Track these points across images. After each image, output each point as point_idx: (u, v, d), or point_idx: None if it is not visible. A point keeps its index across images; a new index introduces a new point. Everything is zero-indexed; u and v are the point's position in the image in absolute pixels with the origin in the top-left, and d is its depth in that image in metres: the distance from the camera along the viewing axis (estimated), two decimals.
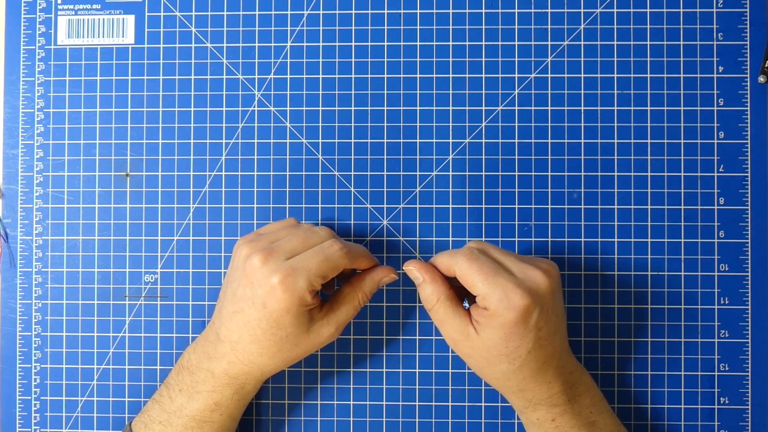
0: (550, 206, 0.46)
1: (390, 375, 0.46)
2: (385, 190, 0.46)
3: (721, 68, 0.46)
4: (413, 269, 0.41)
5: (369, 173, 0.47)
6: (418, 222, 0.46)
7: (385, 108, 0.47)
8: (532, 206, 0.46)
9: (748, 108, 0.46)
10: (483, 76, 0.46)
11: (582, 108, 0.46)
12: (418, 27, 0.47)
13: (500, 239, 0.46)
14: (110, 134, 0.47)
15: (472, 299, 0.40)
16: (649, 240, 0.46)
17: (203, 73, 0.47)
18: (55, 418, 0.47)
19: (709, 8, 0.46)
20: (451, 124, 0.46)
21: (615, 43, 0.46)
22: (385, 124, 0.46)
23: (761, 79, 0.46)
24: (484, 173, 0.46)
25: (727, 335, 0.46)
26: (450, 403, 0.46)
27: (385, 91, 0.47)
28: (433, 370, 0.46)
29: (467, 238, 0.46)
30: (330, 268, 0.39)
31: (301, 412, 0.47)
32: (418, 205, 0.46)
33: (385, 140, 0.46)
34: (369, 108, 0.47)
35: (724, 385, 0.46)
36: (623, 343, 0.46)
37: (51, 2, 0.47)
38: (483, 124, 0.46)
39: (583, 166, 0.46)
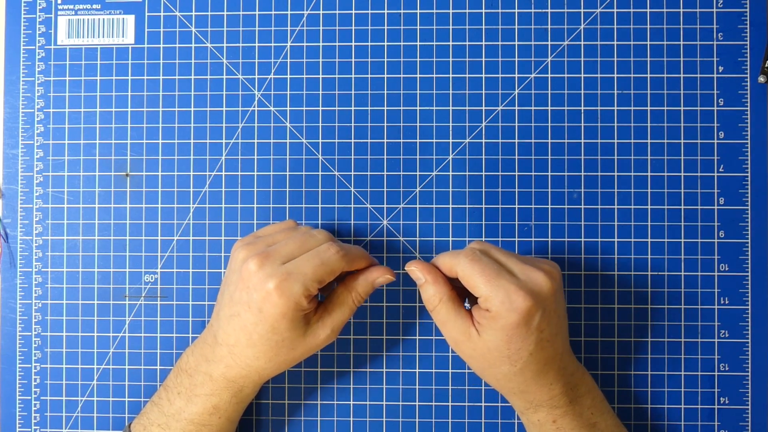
0: (550, 206, 0.46)
1: (390, 375, 0.46)
2: (385, 190, 0.46)
3: (721, 68, 0.46)
4: (415, 270, 0.41)
5: (369, 173, 0.47)
6: (418, 222, 0.46)
7: (385, 108, 0.47)
8: (532, 206, 0.46)
9: (748, 108, 0.46)
10: (483, 76, 0.46)
11: (582, 108, 0.46)
12: (418, 27, 0.47)
13: (500, 239, 0.46)
14: (110, 134, 0.47)
15: (473, 300, 0.40)
16: (649, 240, 0.46)
17: (203, 73, 0.47)
18: (55, 418, 0.47)
19: (709, 8, 0.46)
20: (451, 124, 0.46)
21: (615, 43, 0.46)
22: (385, 124, 0.46)
23: (761, 79, 0.46)
24: (484, 173, 0.46)
25: (727, 335, 0.46)
26: (450, 403, 0.46)
27: (385, 91, 0.47)
28: (433, 370, 0.46)
29: (467, 238, 0.46)
30: (326, 272, 0.39)
31: (301, 412, 0.47)
32: (418, 205, 0.46)
33: (385, 140, 0.46)
34: (369, 108, 0.47)
35: (724, 385, 0.46)
36: (623, 343, 0.46)
37: (51, 2, 0.47)
38: (483, 124, 0.46)
39: (583, 166, 0.46)
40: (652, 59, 0.46)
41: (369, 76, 0.47)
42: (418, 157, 0.46)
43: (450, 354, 0.46)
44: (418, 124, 0.46)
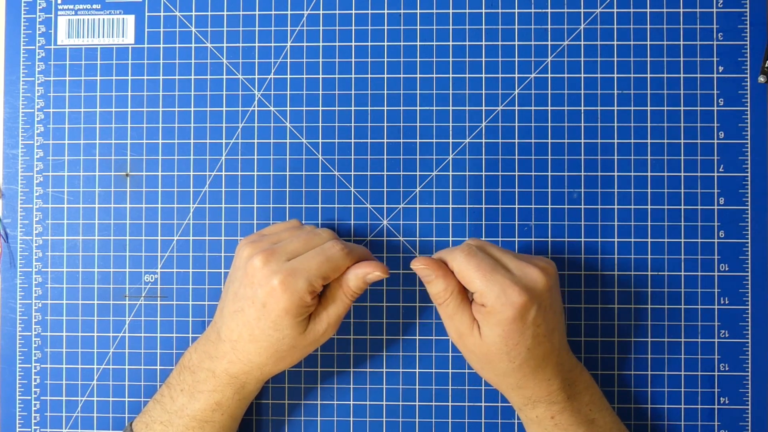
0: (550, 206, 0.46)
1: (390, 375, 0.46)
2: (385, 190, 0.46)
3: (721, 68, 0.46)
4: (423, 267, 0.40)
5: (369, 173, 0.47)
6: (418, 222, 0.46)
7: (385, 108, 0.47)
8: (532, 206, 0.46)
9: (748, 108, 0.46)
10: (483, 76, 0.46)
11: (582, 108, 0.46)
12: (418, 27, 0.47)
13: (500, 239, 0.46)
14: (110, 134, 0.47)
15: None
16: (649, 240, 0.46)
17: (203, 73, 0.47)
18: (55, 418, 0.47)
19: (709, 8, 0.46)
20: (451, 124, 0.46)
21: (615, 43, 0.46)
22: (385, 124, 0.46)
23: (761, 79, 0.46)
24: (484, 173, 0.46)
25: (727, 335, 0.46)
26: (450, 403, 0.46)
27: (385, 91, 0.47)
28: (433, 370, 0.46)
29: (467, 238, 0.46)
30: (331, 268, 0.39)
31: (301, 412, 0.47)
32: (418, 205, 0.46)
33: (385, 140, 0.46)
34: (369, 108, 0.47)
35: (724, 385, 0.46)
36: (623, 343, 0.46)
37: (51, 2, 0.47)
38: (483, 124, 0.46)
39: (583, 166, 0.46)
40: (652, 59, 0.46)
41: (369, 76, 0.47)
42: (418, 157, 0.46)
43: (450, 354, 0.46)
44: (418, 124, 0.46)
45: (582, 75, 0.46)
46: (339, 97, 0.47)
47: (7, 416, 0.47)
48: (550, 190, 0.46)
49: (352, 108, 0.47)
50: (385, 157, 0.46)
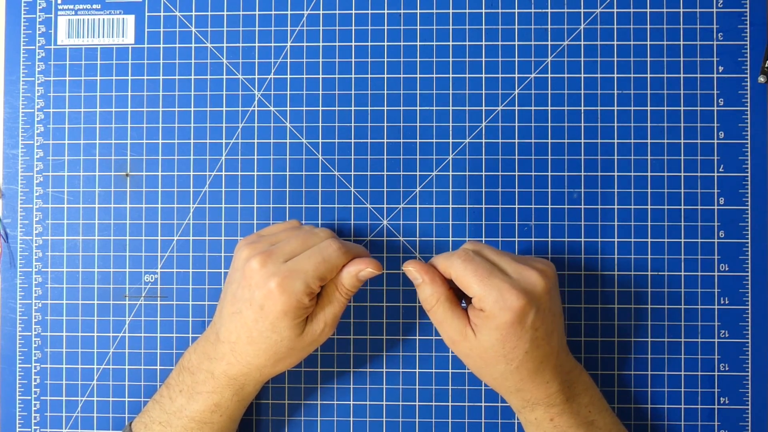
0: (550, 206, 0.46)
1: (390, 375, 0.46)
2: (385, 190, 0.46)
3: (721, 68, 0.46)
4: (412, 270, 0.41)
5: (369, 173, 0.47)
6: (418, 222, 0.46)
7: (385, 108, 0.47)
8: (532, 206, 0.46)
9: (748, 108, 0.46)
10: (483, 76, 0.46)
11: (582, 108, 0.46)
12: (418, 27, 0.47)
13: (500, 239, 0.46)
14: (110, 134, 0.47)
15: (469, 300, 0.40)
16: (649, 240, 0.46)
17: (203, 73, 0.47)
18: (55, 418, 0.47)
19: (709, 8, 0.46)
20: (451, 124, 0.46)
21: (615, 43, 0.46)
22: (385, 124, 0.46)
23: (761, 79, 0.46)
24: (484, 173, 0.46)
25: (727, 335, 0.46)
26: (450, 403, 0.46)
27: (385, 91, 0.47)
28: (433, 370, 0.46)
29: (467, 238, 0.46)
30: (328, 269, 0.39)
31: (301, 412, 0.47)
32: (418, 205, 0.46)
33: (385, 140, 0.46)
34: (369, 108, 0.47)
35: (724, 385, 0.46)
36: (623, 343, 0.46)
37: (51, 2, 0.47)
38: (483, 124, 0.46)
39: (583, 166, 0.46)
40: (652, 59, 0.46)
41: (369, 76, 0.47)
42: (418, 157, 0.46)
43: (450, 354, 0.46)
44: (418, 124, 0.46)
45: (582, 75, 0.46)
46: (339, 97, 0.47)
47: (7, 416, 0.47)
48: (550, 190, 0.46)
49: (352, 108, 0.47)
50: (385, 157, 0.46)
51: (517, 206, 0.46)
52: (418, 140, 0.46)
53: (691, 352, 0.46)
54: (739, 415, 0.46)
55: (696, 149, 0.46)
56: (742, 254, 0.46)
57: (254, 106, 0.47)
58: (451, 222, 0.46)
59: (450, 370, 0.46)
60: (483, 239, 0.46)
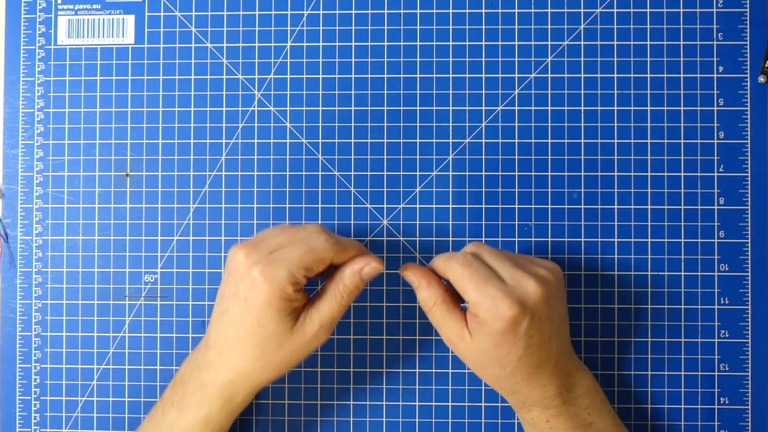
0: (550, 206, 0.46)
1: (390, 375, 0.46)
2: (385, 190, 0.46)
3: (721, 68, 0.46)
4: (409, 273, 0.40)
5: (369, 173, 0.47)
6: (418, 222, 0.46)
7: (385, 108, 0.47)
8: (532, 206, 0.46)
9: (748, 108, 0.46)
10: (483, 76, 0.46)
11: (582, 108, 0.46)
12: (418, 27, 0.47)
13: (500, 239, 0.46)
14: (110, 134, 0.47)
15: None
16: (649, 240, 0.46)
17: (203, 73, 0.47)
18: (55, 418, 0.47)
19: (709, 8, 0.46)
20: (451, 124, 0.46)
21: (615, 43, 0.46)
22: (385, 124, 0.46)
23: (761, 79, 0.46)
24: (484, 173, 0.46)
25: (727, 335, 0.46)
26: (450, 403, 0.46)
27: (385, 91, 0.47)
28: (433, 370, 0.46)
29: (467, 238, 0.46)
30: (314, 259, 0.38)
31: (301, 412, 0.47)
32: (418, 205, 0.46)
33: (385, 140, 0.46)
34: (369, 108, 0.47)
35: (724, 385, 0.46)
36: (623, 343, 0.46)
37: (51, 2, 0.47)
38: (483, 124, 0.46)
39: (583, 166, 0.46)
40: (652, 59, 0.46)
41: (369, 76, 0.47)
42: (418, 157, 0.46)
43: (450, 354, 0.46)
44: (418, 124, 0.46)
45: (582, 75, 0.46)
46: (339, 97, 0.47)
47: (7, 416, 0.47)
48: (550, 190, 0.46)
49: (352, 108, 0.47)
50: (385, 157, 0.46)
51: (517, 206, 0.46)
52: (418, 140, 0.46)
53: (691, 352, 0.46)
54: (739, 415, 0.46)
55: (696, 149, 0.46)
56: (742, 254, 0.46)
57: (254, 106, 0.47)
58: (451, 222, 0.46)
59: (450, 370, 0.46)
60: (483, 239, 0.46)
